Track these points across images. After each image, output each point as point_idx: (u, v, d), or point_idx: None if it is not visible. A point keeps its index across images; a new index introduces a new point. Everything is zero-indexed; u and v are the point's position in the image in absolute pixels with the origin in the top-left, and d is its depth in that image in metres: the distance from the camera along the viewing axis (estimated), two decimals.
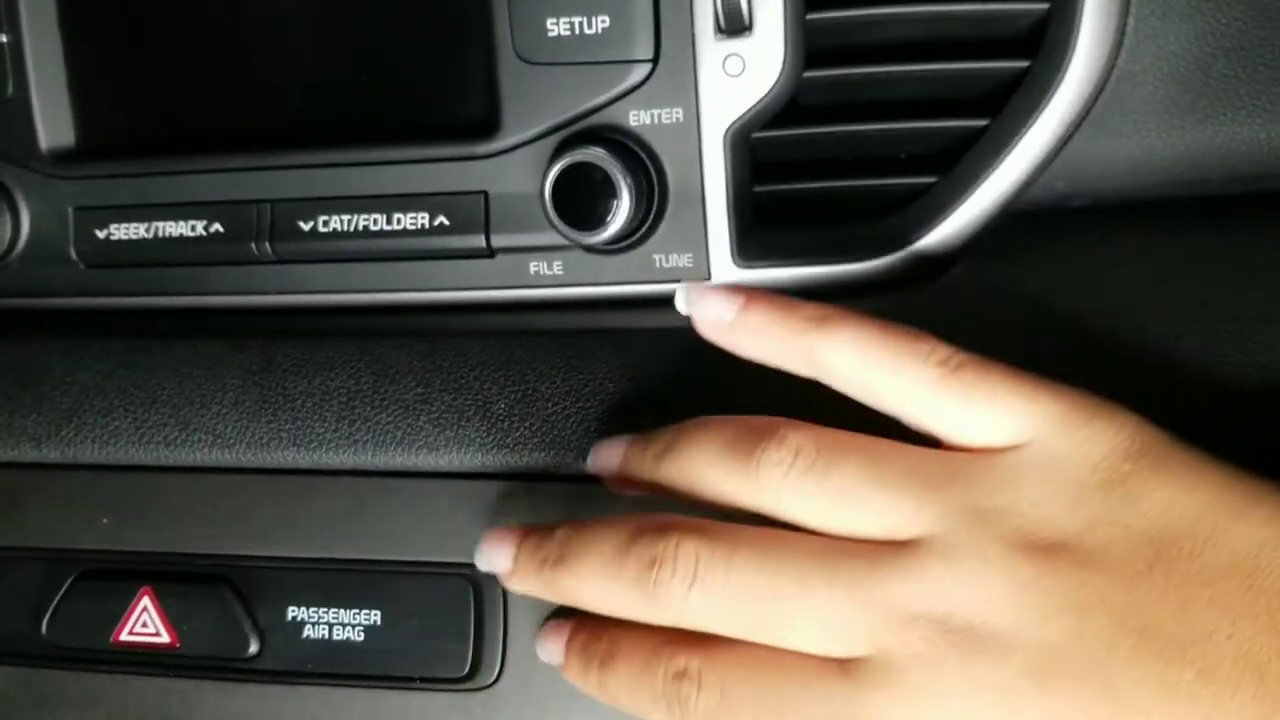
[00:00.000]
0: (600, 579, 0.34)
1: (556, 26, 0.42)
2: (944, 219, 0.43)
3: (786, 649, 0.32)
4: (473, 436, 0.42)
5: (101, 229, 0.49)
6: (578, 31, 0.42)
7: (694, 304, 0.37)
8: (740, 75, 0.42)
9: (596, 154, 0.42)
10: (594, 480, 0.41)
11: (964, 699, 0.30)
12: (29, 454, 0.47)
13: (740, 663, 0.32)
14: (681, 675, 0.32)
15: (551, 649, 0.37)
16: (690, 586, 0.32)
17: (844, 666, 0.31)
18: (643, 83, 0.43)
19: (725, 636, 0.33)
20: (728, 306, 0.36)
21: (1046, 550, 0.31)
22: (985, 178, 0.42)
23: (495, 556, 0.37)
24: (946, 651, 0.30)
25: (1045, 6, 0.41)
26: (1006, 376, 0.33)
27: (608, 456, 0.38)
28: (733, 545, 0.32)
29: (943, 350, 0.33)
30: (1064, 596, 0.30)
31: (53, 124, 0.49)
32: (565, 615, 0.38)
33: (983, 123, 0.43)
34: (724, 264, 0.44)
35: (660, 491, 0.36)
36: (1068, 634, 0.30)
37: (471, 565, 0.42)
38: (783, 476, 0.33)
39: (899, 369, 0.33)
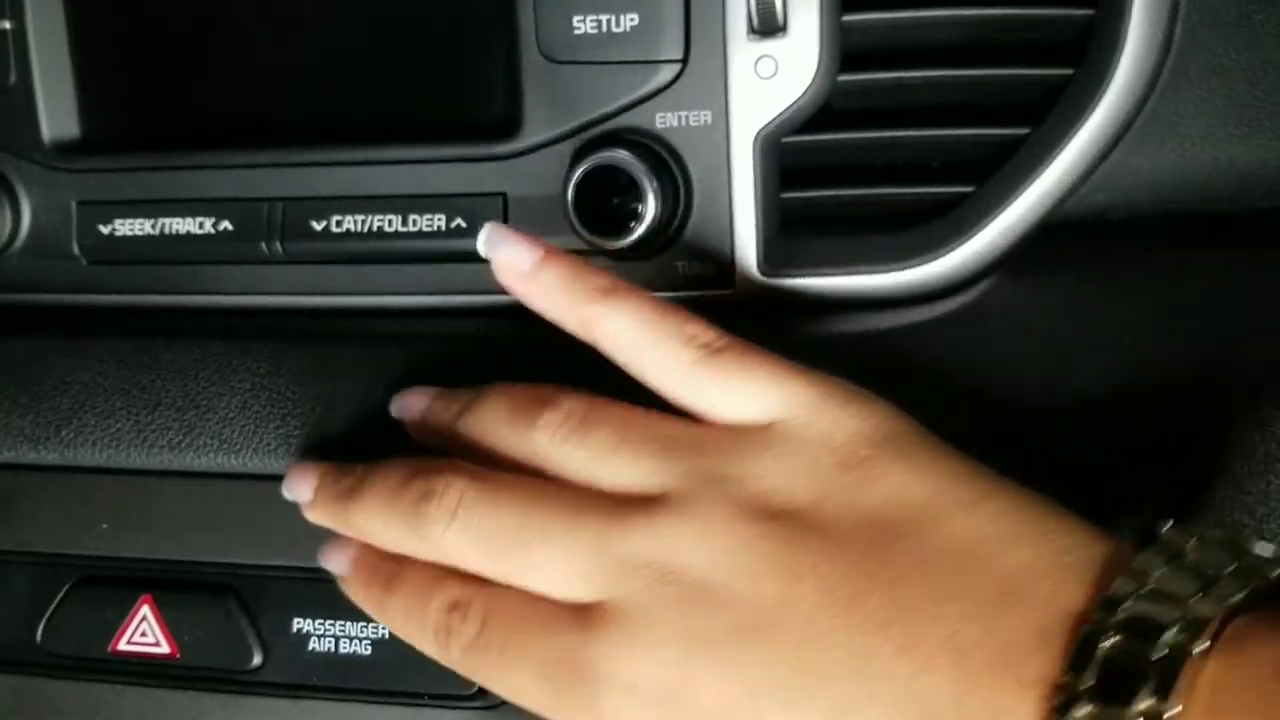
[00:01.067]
0: (382, 512, 0.36)
1: (583, 24, 0.41)
2: (980, 230, 0.41)
3: (537, 593, 0.34)
4: None
5: (105, 224, 0.48)
6: (605, 29, 0.41)
7: (494, 248, 0.38)
8: (772, 78, 0.41)
9: (621, 157, 0.40)
10: None
11: (675, 647, 0.31)
12: (26, 455, 0.45)
13: (500, 603, 0.34)
14: (454, 606, 0.34)
15: (338, 560, 0.38)
16: (450, 522, 0.34)
17: (579, 612, 0.33)
18: (671, 84, 0.41)
19: (491, 578, 0.35)
20: (526, 258, 0.37)
21: (770, 516, 0.32)
22: (1024, 189, 0.41)
23: (298, 487, 0.39)
24: (665, 601, 0.32)
25: (1090, 13, 0.40)
26: (764, 361, 0.35)
27: (413, 405, 0.40)
28: (494, 488, 0.35)
29: (707, 334, 0.35)
30: (777, 560, 0.31)
31: (56, 114, 0.48)
32: None
33: (1023, 131, 0.41)
34: (749, 272, 0.43)
35: (456, 444, 0.38)
36: (776, 598, 0.31)
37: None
38: (550, 436, 0.35)
39: (663, 347, 0.35)
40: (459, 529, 0.34)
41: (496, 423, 0.37)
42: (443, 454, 0.38)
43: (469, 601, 0.34)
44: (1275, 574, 0.29)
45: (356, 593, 0.38)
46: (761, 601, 0.31)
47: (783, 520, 0.32)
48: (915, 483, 0.32)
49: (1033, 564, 0.30)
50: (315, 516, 0.39)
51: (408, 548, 0.36)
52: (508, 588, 0.34)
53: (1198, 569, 0.29)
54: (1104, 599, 0.28)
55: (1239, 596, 0.28)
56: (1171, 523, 0.31)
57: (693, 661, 0.31)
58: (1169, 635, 0.27)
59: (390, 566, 0.37)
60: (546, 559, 0.33)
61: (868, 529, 0.31)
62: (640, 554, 0.32)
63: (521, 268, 0.37)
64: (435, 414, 0.39)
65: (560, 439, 0.35)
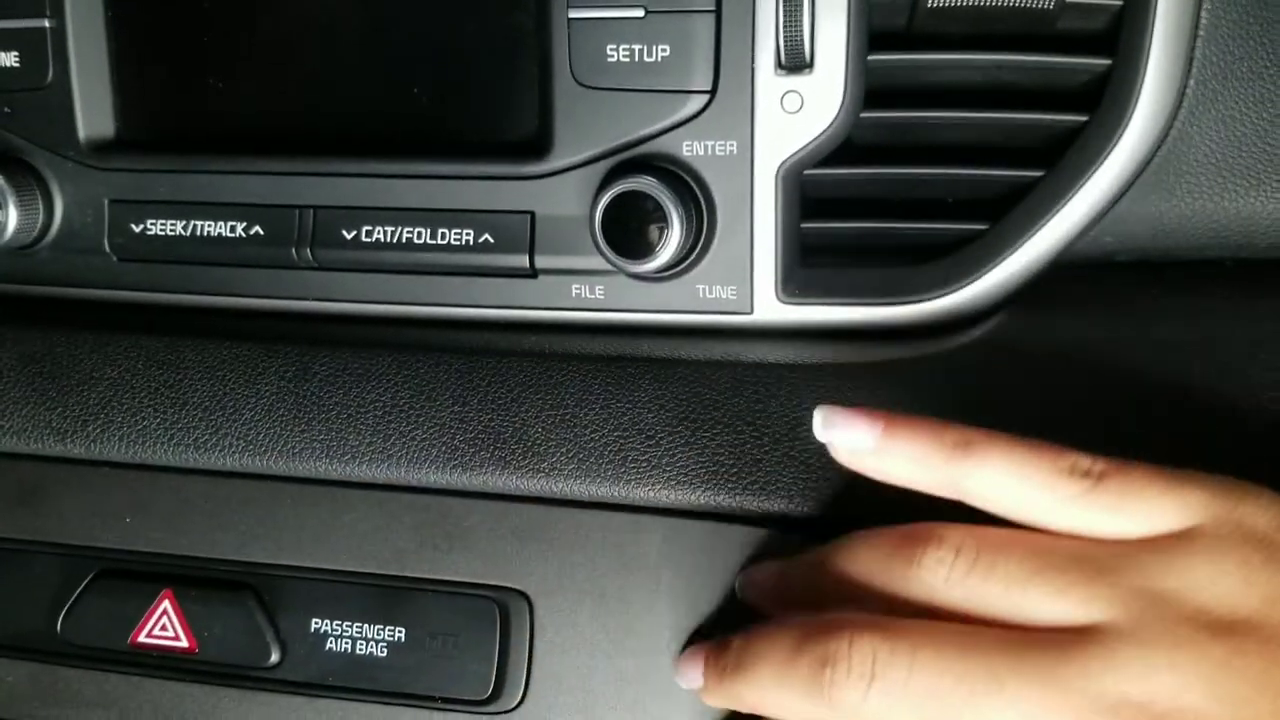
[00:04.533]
0: (775, 684, 0.33)
1: (616, 52, 0.42)
2: (991, 268, 0.43)
3: None
4: (508, 459, 0.42)
5: (137, 223, 0.49)
6: (637, 59, 0.42)
7: (832, 430, 0.36)
8: (798, 112, 0.42)
9: (649, 183, 0.42)
10: (629, 511, 0.41)
11: None
12: (52, 448, 0.46)
13: None
14: None
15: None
16: (869, 685, 0.31)
17: None
18: (699, 114, 0.42)
19: None
20: (867, 435, 0.35)
21: (1229, 629, 0.31)
22: (1036, 230, 0.42)
23: (689, 675, 0.38)
24: None
25: (1108, 62, 0.41)
26: (1150, 474, 0.33)
27: (761, 578, 0.39)
28: (911, 640, 0.32)
29: (1084, 462, 0.33)
30: (1257, 678, 0.30)
31: (92, 113, 0.49)
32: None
33: (1037, 174, 0.43)
34: (767, 298, 0.44)
35: (817, 600, 0.36)
36: (1265, 716, 0.30)
37: (499, 587, 0.42)
38: (947, 574, 0.33)
39: (1046, 489, 0.33)
40: (882, 693, 0.31)
41: (870, 569, 0.34)
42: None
43: None
44: None
45: None
46: None
47: (1243, 632, 0.31)
48: None
49: None
50: (711, 700, 0.37)
51: (810, 715, 0.33)
52: None
53: None
54: None
55: None
56: None
57: None
58: None
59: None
60: (1001, 712, 0.30)
61: None
62: (1112, 691, 0.30)
63: (866, 446, 0.35)
64: (789, 575, 0.37)
65: (959, 577, 0.33)
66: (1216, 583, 0.31)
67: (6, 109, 0.49)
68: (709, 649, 0.37)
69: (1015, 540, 0.33)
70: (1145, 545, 0.33)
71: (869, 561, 0.34)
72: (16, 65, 0.49)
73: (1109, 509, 0.33)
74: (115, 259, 0.49)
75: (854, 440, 0.35)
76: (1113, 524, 0.33)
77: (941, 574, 0.33)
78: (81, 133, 0.49)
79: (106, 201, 0.49)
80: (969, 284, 0.43)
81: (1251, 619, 0.31)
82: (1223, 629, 0.31)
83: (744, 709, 0.35)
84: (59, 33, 0.48)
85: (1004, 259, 0.42)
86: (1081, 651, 0.31)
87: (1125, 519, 0.33)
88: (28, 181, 0.49)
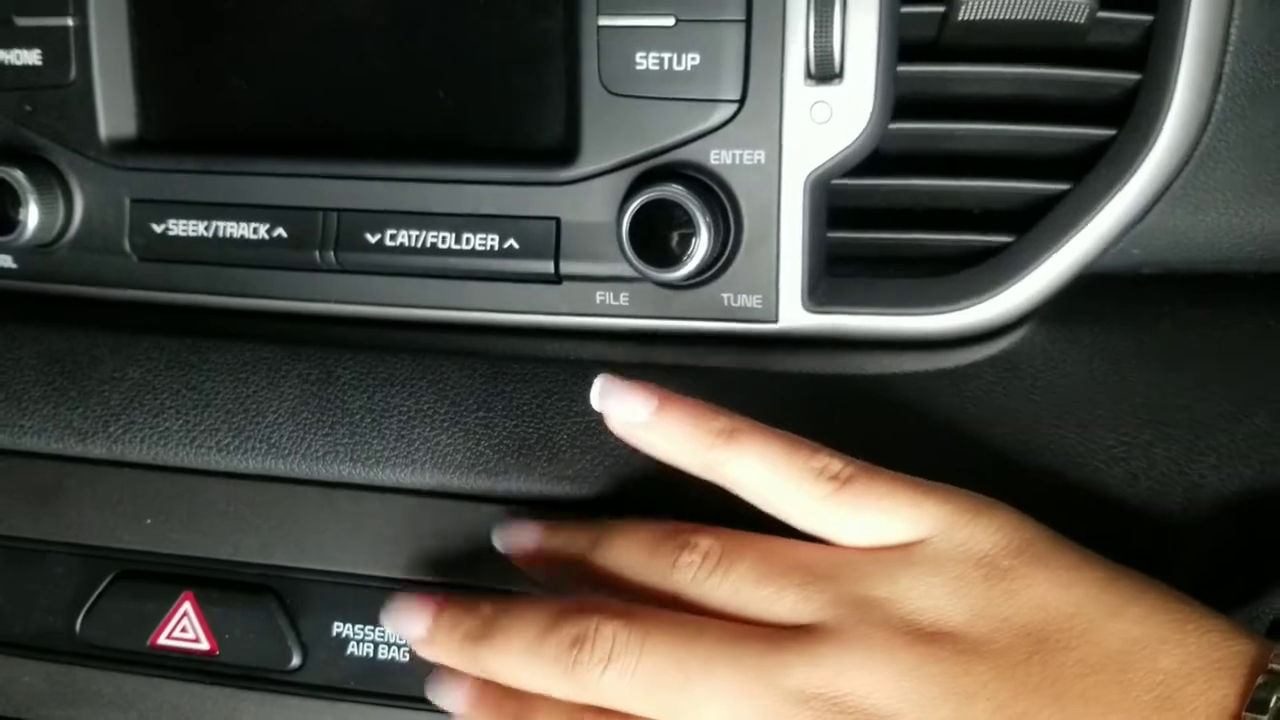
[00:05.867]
0: (523, 656, 0.35)
1: (645, 60, 0.42)
2: (1018, 281, 0.43)
3: None
4: (534, 465, 0.42)
5: (159, 223, 0.49)
6: (666, 67, 0.42)
7: (607, 400, 0.38)
8: (827, 122, 0.42)
9: (677, 191, 0.42)
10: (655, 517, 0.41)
11: None
12: (73, 448, 0.46)
13: None
14: None
15: (455, 696, 0.37)
16: (606, 666, 0.34)
17: None
18: (727, 122, 0.42)
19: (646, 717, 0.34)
20: (641, 408, 0.37)
21: (929, 638, 0.33)
22: (1063, 242, 0.42)
23: (407, 622, 0.38)
24: None
25: (1137, 77, 0.41)
26: (894, 486, 0.35)
27: (522, 540, 0.40)
28: (646, 629, 0.34)
29: (835, 466, 0.36)
30: (947, 683, 0.32)
31: (114, 112, 0.49)
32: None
33: (1064, 187, 0.43)
34: (793, 307, 0.44)
35: (583, 580, 0.38)
36: (947, 718, 0.32)
37: (522, 592, 0.42)
38: (691, 577, 0.35)
39: (793, 485, 0.36)
40: (617, 672, 0.34)
41: (632, 564, 0.37)
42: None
43: None
44: None
45: None
46: None
47: (941, 641, 0.32)
48: (1060, 591, 0.33)
49: (1182, 666, 0.31)
50: (432, 655, 0.37)
51: (555, 690, 0.35)
52: None
53: None
54: (1251, 701, 0.30)
55: None
56: None
57: None
58: None
59: (515, 703, 0.36)
60: (710, 696, 0.33)
61: (1024, 642, 0.32)
62: (807, 686, 0.32)
63: (639, 419, 0.37)
64: (555, 550, 0.39)
65: (701, 579, 0.35)
66: (924, 595, 0.33)
67: (28, 107, 0.49)
68: (445, 605, 0.37)
69: (751, 546, 0.36)
70: (869, 555, 0.35)
71: (629, 558, 0.37)
72: (39, 63, 0.49)
73: (849, 513, 0.35)
74: (136, 259, 0.49)
75: (627, 412, 0.38)
76: (848, 530, 0.35)
77: (689, 576, 0.35)
78: (103, 131, 0.49)
79: (127, 201, 0.49)
80: (995, 296, 0.43)
81: (953, 631, 0.33)
82: (922, 637, 0.33)
83: (475, 672, 0.37)
84: (82, 31, 0.48)
85: (1030, 271, 0.43)
86: (787, 648, 0.33)
87: (860, 526, 0.35)
88: (48, 180, 0.49)
